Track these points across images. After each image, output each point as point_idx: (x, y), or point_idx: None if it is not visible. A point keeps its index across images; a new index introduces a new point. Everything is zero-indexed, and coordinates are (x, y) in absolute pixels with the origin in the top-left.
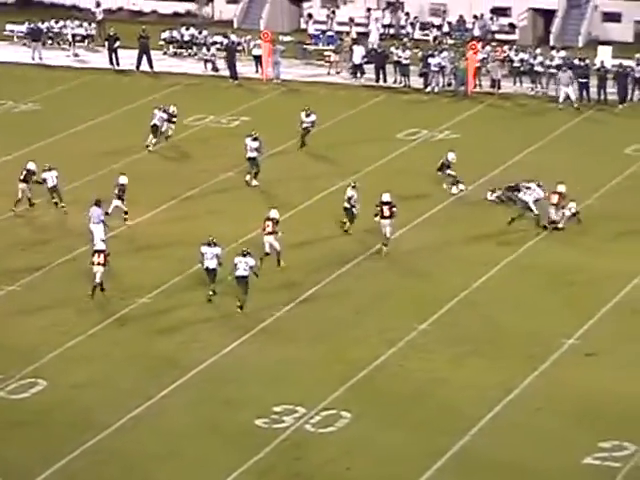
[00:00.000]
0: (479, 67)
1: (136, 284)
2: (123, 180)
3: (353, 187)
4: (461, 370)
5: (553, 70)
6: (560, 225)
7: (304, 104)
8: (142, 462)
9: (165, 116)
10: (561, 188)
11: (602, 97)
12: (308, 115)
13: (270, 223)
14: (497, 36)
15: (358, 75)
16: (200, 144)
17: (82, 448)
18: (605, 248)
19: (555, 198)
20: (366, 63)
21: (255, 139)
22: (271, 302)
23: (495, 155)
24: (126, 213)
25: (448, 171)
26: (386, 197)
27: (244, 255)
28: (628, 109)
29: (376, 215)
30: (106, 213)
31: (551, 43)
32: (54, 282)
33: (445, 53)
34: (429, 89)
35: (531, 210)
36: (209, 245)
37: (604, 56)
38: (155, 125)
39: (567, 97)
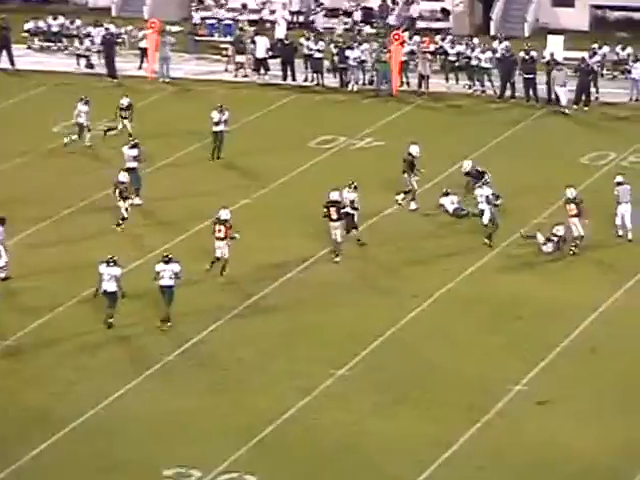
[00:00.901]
0: (406, 61)
1: None
2: (123, 178)
3: (354, 188)
4: (387, 422)
5: (487, 65)
6: (548, 250)
7: (199, 106)
8: None
9: (87, 109)
10: (567, 194)
11: (553, 96)
12: (221, 112)
13: (222, 227)
14: (428, 24)
15: (262, 72)
16: (74, 155)
17: None
18: (558, 276)
19: (573, 208)
20: (271, 57)
21: (134, 146)
22: (162, 342)
23: (426, 166)
24: (123, 219)
25: (415, 176)
26: (334, 196)
27: (167, 262)
28: (582, 110)
29: (324, 216)
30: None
31: (492, 32)
32: None
33: (366, 45)
34: (349, 88)
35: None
36: (108, 264)
37: (555, 47)
38: (79, 124)
39: (557, 99)
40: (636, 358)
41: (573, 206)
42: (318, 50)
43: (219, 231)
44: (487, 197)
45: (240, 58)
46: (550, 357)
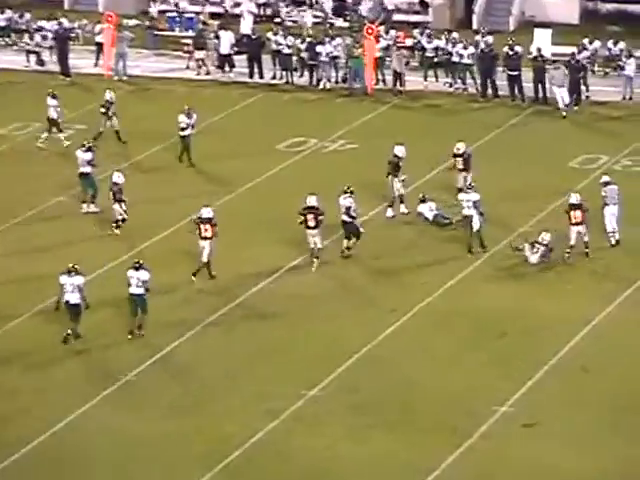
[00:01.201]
0: (381, 57)
1: None
2: (117, 178)
3: (351, 193)
4: (363, 447)
5: (469, 61)
6: (534, 261)
7: (158, 106)
8: None
9: (55, 102)
10: (572, 199)
11: (540, 95)
12: (189, 116)
13: (208, 226)
14: (406, 17)
15: (226, 69)
16: (23, 160)
17: None
18: (546, 288)
19: (578, 216)
20: (236, 53)
21: (88, 150)
22: (122, 359)
23: (403, 171)
24: (122, 221)
25: (402, 177)
26: (312, 201)
27: (137, 268)
28: (572, 110)
29: (301, 223)
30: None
31: (474, 26)
32: None
33: (339, 40)
34: (321, 86)
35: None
36: (69, 274)
37: (542, 42)
38: (51, 118)
39: (545, 98)
40: (629, 377)
41: (579, 213)
42: (287, 45)
43: (205, 230)
44: (474, 203)
45: (200, 54)
46: (538, 376)
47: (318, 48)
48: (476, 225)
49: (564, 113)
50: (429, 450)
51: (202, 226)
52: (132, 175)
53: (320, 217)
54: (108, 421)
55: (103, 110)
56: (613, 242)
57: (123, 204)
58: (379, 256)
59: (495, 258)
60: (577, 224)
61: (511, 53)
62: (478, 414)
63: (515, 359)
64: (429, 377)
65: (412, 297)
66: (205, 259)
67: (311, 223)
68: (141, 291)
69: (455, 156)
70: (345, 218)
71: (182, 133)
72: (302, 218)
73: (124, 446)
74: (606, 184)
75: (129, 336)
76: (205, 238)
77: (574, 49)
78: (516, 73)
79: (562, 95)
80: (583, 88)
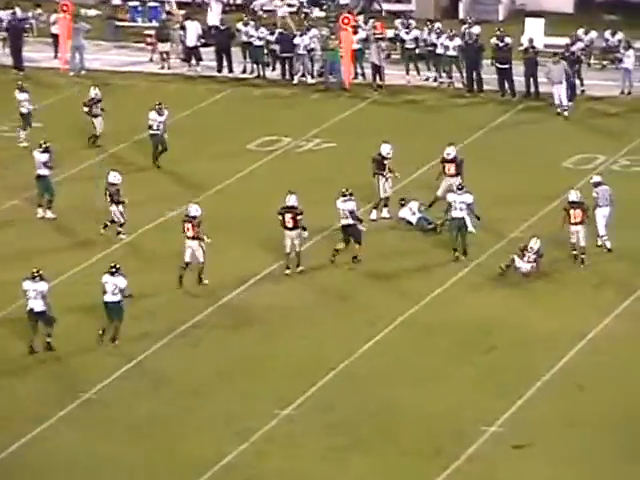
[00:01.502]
0: (360, 50)
1: None
2: (114, 179)
3: (350, 196)
4: (340, 470)
5: (454, 53)
6: (525, 269)
7: (119, 102)
8: None
9: (26, 96)
10: (573, 196)
11: (533, 89)
12: (160, 113)
13: (189, 225)
14: (388, 6)
15: (192, 62)
16: None
17: None
18: (538, 298)
19: (578, 214)
20: (203, 46)
21: (45, 150)
22: (79, 378)
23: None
24: (121, 225)
25: (385, 180)
26: (291, 200)
27: (112, 274)
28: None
29: (281, 225)
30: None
31: (460, 16)
32: None
33: (314, 31)
34: (296, 80)
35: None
36: (33, 279)
37: (534, 32)
38: (22, 114)
39: (533, 92)
40: (628, 395)
41: (579, 212)
42: (259, 37)
43: (187, 229)
44: (469, 205)
45: (164, 47)
46: (529, 393)
47: (296, 40)
48: (470, 228)
49: (565, 113)
50: (412, 474)
51: (185, 225)
52: (90, 177)
53: (299, 217)
54: (68, 441)
55: (86, 109)
56: (609, 246)
57: (121, 206)
58: (358, 264)
59: (483, 266)
60: (577, 224)
61: (501, 45)
62: (465, 434)
63: (505, 375)
64: (411, 394)
65: (394, 308)
66: (188, 259)
67: (289, 224)
68: (117, 298)
69: (445, 162)
70: (347, 222)
71: (152, 132)
72: (280, 218)
73: (85, 469)
74: (597, 184)
75: (100, 335)
76: (188, 238)
77: (568, 40)
78: (506, 66)
79: (560, 93)
80: (578, 82)
